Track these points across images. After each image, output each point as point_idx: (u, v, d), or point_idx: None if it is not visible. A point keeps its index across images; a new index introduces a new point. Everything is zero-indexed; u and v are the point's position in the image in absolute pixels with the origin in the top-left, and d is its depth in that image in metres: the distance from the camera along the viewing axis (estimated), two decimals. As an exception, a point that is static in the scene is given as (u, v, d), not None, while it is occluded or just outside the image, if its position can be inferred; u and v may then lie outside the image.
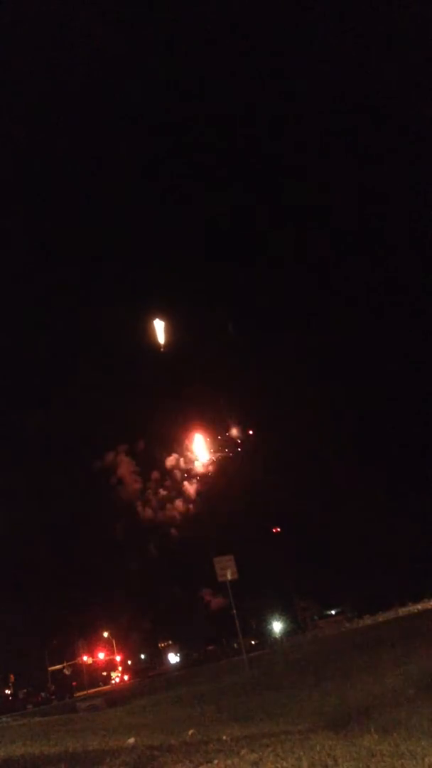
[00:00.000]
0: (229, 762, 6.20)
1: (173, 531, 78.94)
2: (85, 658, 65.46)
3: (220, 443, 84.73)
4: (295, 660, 24.47)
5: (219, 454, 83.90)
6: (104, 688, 52.79)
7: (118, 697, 28.34)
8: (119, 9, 59.24)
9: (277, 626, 66.35)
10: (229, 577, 26.49)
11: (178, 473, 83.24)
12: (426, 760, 5.46)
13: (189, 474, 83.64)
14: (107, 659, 68.45)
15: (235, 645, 45.28)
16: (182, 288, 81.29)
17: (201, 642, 65.07)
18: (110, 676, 64.26)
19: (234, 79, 73.87)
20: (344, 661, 17.77)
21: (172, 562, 72.62)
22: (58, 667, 61.58)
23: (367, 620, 45.06)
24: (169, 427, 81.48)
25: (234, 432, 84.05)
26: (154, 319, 76.77)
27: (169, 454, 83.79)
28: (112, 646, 69.50)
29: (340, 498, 62.35)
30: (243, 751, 6.66)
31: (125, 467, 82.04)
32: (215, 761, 6.36)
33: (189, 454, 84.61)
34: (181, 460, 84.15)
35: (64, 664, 62.40)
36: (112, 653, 69.18)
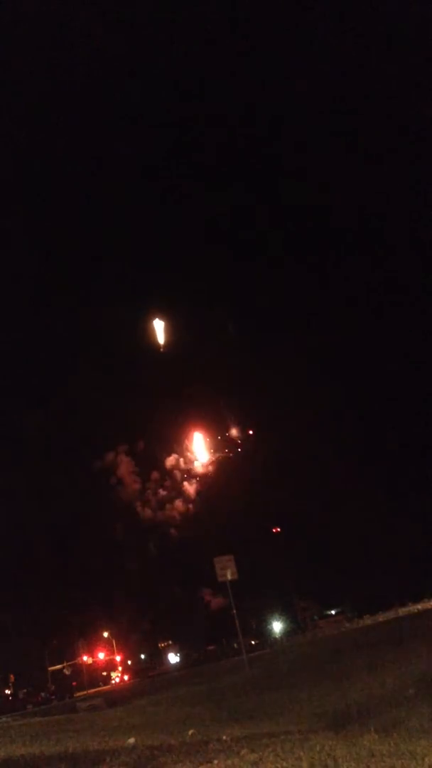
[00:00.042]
0: (229, 762, 6.20)
1: (173, 531, 79.01)
2: (85, 658, 65.48)
3: (220, 443, 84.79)
4: (295, 660, 24.47)
5: (219, 454, 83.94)
6: (104, 688, 52.80)
7: (118, 697, 28.33)
8: (119, 9, 59.29)
9: (277, 626, 66.36)
10: (229, 577, 26.49)
11: (177, 473, 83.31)
12: (426, 760, 5.46)
13: (189, 474, 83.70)
14: (107, 659, 68.47)
15: (235, 645, 45.28)
16: (182, 288, 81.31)
17: (201, 642, 65.08)
18: (110, 676, 64.28)
19: (234, 79, 73.93)
20: (344, 661, 17.77)
21: (172, 562, 72.67)
22: (58, 667, 61.60)
23: (367, 620, 45.05)
24: (169, 427, 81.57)
25: (234, 432, 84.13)
26: (154, 319, 76.89)
27: (169, 455, 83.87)
28: (112, 646, 69.53)
29: (340, 498, 62.36)
30: (243, 751, 6.66)
31: (125, 467, 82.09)
32: (215, 761, 6.36)
33: (189, 454, 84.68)
34: (181, 460, 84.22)
35: (64, 664, 62.42)
36: (112, 653, 69.20)
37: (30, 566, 63.18)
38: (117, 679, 62.81)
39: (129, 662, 71.10)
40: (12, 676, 57.91)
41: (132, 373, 80.00)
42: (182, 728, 10.06)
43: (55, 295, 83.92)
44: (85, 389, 71.82)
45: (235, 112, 76.28)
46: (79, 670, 63.25)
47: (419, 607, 42.92)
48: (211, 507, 76.88)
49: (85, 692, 49.29)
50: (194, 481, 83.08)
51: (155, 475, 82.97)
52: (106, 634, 69.37)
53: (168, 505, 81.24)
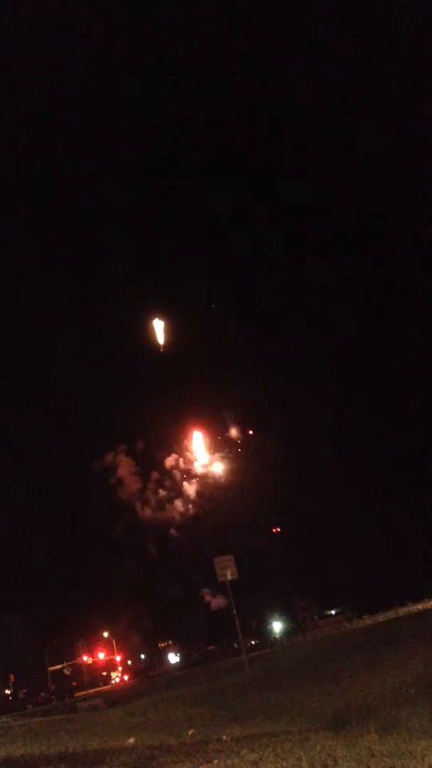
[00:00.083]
0: (229, 762, 6.20)
1: (173, 531, 79.00)
2: (85, 658, 65.49)
3: (220, 443, 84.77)
4: (294, 660, 24.48)
5: (219, 454, 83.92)
6: (104, 688, 52.79)
7: (118, 697, 28.35)
8: (119, 9, 59.22)
9: (277, 626, 66.37)
10: (229, 577, 26.48)
11: (177, 473, 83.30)
12: (426, 760, 5.46)
13: (188, 474, 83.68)
14: (107, 659, 68.47)
15: (235, 645, 45.29)
16: (182, 288, 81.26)
17: (201, 642, 65.08)
18: (110, 676, 64.28)
19: (234, 79, 73.88)
20: (344, 661, 17.76)
21: (172, 562, 72.66)
22: (58, 667, 61.61)
23: (367, 620, 45.03)
24: (169, 427, 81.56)
25: (234, 432, 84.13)
26: (154, 319, 76.88)
27: (169, 455, 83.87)
28: (112, 646, 69.53)
29: (340, 498, 62.34)
30: (243, 751, 6.66)
31: (125, 467, 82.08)
32: (215, 761, 6.36)
33: (188, 454, 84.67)
34: (181, 460, 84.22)
35: (64, 664, 62.42)
36: (112, 653, 69.20)
37: (30, 566, 63.25)
38: (117, 679, 62.81)
39: (129, 662, 71.13)
40: (12, 676, 57.97)
41: (132, 373, 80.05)
42: (182, 728, 10.06)
43: (55, 295, 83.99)
44: (85, 389, 71.81)
45: (235, 112, 76.27)
46: (79, 670, 63.26)
47: (419, 607, 42.89)
48: (211, 507, 76.97)
49: (85, 692, 49.29)
50: (194, 481, 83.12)
51: (155, 475, 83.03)
52: (106, 634, 69.41)
53: (168, 506, 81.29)
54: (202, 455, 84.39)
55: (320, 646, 30.55)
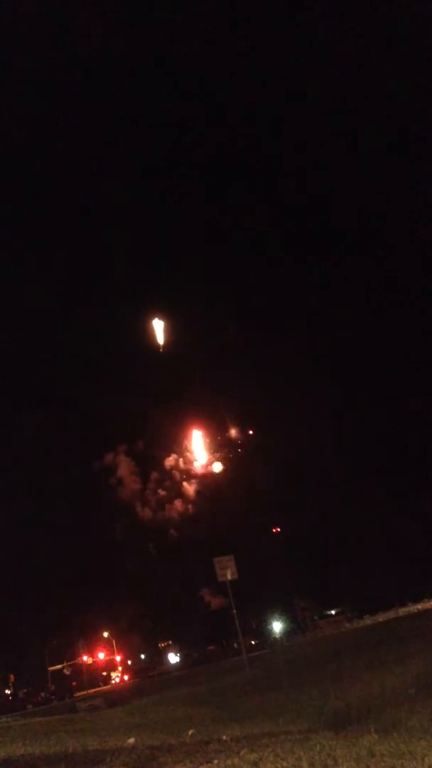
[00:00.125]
0: (229, 762, 6.20)
1: (173, 531, 79.03)
2: (85, 658, 65.47)
3: (220, 444, 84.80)
4: (295, 660, 24.47)
5: (219, 454, 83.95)
6: (104, 688, 52.78)
7: (118, 697, 28.36)
8: (119, 9, 59.28)
9: (277, 626, 66.35)
10: (229, 577, 26.48)
11: (177, 474, 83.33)
12: (426, 760, 5.46)
13: (188, 474, 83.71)
14: (107, 659, 68.46)
15: (235, 645, 45.30)
16: (182, 288, 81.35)
17: (201, 642, 65.07)
18: (110, 676, 64.27)
19: (234, 79, 73.94)
20: (344, 661, 17.76)
21: (172, 562, 72.69)
22: (58, 667, 61.59)
23: (367, 620, 45.06)
24: (169, 428, 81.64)
25: (233, 432, 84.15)
26: (154, 319, 76.99)
27: (169, 455, 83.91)
28: (112, 646, 69.53)
29: (340, 498, 62.39)
30: (243, 751, 6.66)
31: (125, 467, 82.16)
32: (215, 761, 6.35)
33: (188, 454, 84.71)
34: (180, 460, 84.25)
35: (64, 664, 62.42)
36: (112, 653, 69.20)
37: (30, 566, 63.25)
38: (117, 679, 62.80)
39: (129, 662, 71.12)
40: (12, 676, 57.96)
41: (132, 373, 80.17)
42: (182, 728, 10.05)
43: (55, 295, 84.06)
44: (85, 389, 71.91)
45: (235, 112, 76.52)
46: (79, 670, 63.25)
47: (419, 607, 42.91)
48: (210, 507, 76.98)
49: (85, 692, 49.29)
50: (193, 481, 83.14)
51: (155, 475, 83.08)
52: (106, 634, 69.41)
53: (167, 506, 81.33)
54: (201, 455, 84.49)
55: (320, 646, 30.54)
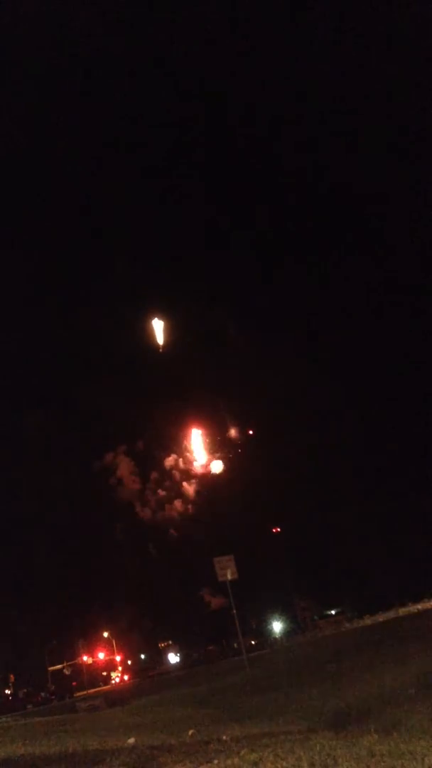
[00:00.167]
0: (229, 762, 6.20)
1: (173, 531, 79.03)
2: (85, 658, 65.47)
3: (220, 444, 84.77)
4: (295, 660, 24.48)
5: (218, 454, 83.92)
6: (104, 688, 52.79)
7: (118, 697, 28.34)
8: (119, 9, 59.27)
9: (277, 626, 66.36)
10: (229, 577, 26.49)
11: (177, 474, 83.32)
12: (426, 760, 5.46)
13: (188, 474, 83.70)
14: (107, 659, 68.46)
15: (235, 645, 45.30)
16: (182, 288, 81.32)
17: (201, 642, 65.09)
18: (110, 676, 64.27)
19: (234, 79, 73.94)
20: (344, 661, 17.76)
21: (172, 562, 72.68)
22: (58, 667, 61.60)
23: (367, 620, 45.02)
24: (169, 428, 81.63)
25: (233, 432, 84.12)
26: (154, 319, 76.99)
27: (168, 455, 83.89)
28: (112, 646, 69.52)
29: (339, 498, 62.36)
30: (243, 751, 6.66)
31: (125, 467, 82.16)
32: (215, 761, 6.36)
33: (188, 454, 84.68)
34: (180, 460, 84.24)
35: (64, 664, 62.42)
36: (112, 653, 69.19)
37: (30, 566, 63.26)
38: (117, 679, 62.80)
39: (129, 662, 71.11)
40: (12, 676, 57.95)
41: (132, 373, 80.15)
42: (182, 728, 10.05)
43: (55, 295, 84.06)
44: (85, 389, 71.91)
45: (235, 112, 76.45)
46: (79, 670, 63.25)
47: (419, 607, 42.89)
48: (210, 507, 76.98)
49: (85, 692, 49.28)
50: (193, 481, 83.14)
51: (154, 475, 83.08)
52: (106, 634, 69.41)
53: (167, 506, 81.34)
54: (201, 455, 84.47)
55: (320, 646, 30.54)
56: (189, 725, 10.45)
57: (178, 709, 15.38)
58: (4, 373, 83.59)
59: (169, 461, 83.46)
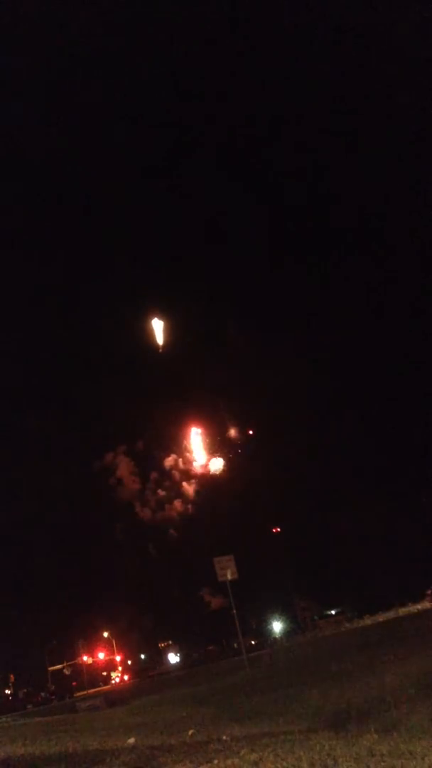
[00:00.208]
0: (229, 762, 6.20)
1: (172, 531, 79.03)
2: (85, 658, 65.47)
3: (220, 444, 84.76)
4: (295, 660, 24.49)
5: (218, 454, 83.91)
6: (104, 688, 52.80)
7: (118, 697, 28.33)
8: (119, 9, 59.22)
9: (277, 626, 66.36)
10: (229, 577, 26.49)
11: (176, 474, 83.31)
12: (426, 760, 5.46)
13: (188, 474, 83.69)
14: (107, 659, 68.46)
15: (235, 645, 45.30)
16: (182, 288, 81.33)
17: (201, 642, 65.09)
18: (110, 676, 64.28)
19: (234, 79, 73.90)
20: (344, 661, 17.75)
21: (172, 562, 72.69)
22: (58, 667, 61.61)
23: (367, 620, 45.02)
24: (169, 428, 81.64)
25: (233, 432, 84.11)
26: (154, 319, 77.03)
27: (168, 455, 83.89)
28: (112, 646, 69.52)
29: (339, 498, 62.37)
30: (243, 751, 6.66)
31: (124, 467, 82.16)
32: (215, 761, 6.36)
33: (188, 454, 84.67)
34: (180, 460, 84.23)
35: (64, 664, 62.43)
36: (112, 653, 69.19)
37: (30, 566, 63.26)
38: (117, 679, 62.82)
39: (129, 662, 71.12)
40: (12, 676, 57.98)
41: (132, 373, 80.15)
42: (182, 728, 10.06)
43: (55, 295, 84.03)
44: (85, 389, 71.95)
45: (235, 112, 76.37)
46: (79, 670, 63.25)
47: (419, 607, 42.92)
48: (210, 507, 76.97)
49: (85, 692, 49.30)
50: (193, 481, 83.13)
51: (154, 475, 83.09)
52: (106, 634, 69.40)
53: (167, 506, 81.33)
54: (201, 455, 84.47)
55: (320, 646, 30.54)
56: (189, 725, 10.45)
57: (178, 708, 15.37)
58: (4, 373, 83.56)
59: (169, 461, 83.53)
